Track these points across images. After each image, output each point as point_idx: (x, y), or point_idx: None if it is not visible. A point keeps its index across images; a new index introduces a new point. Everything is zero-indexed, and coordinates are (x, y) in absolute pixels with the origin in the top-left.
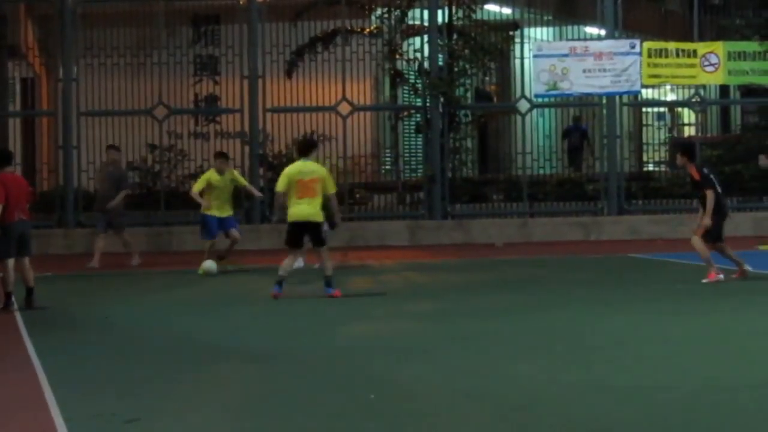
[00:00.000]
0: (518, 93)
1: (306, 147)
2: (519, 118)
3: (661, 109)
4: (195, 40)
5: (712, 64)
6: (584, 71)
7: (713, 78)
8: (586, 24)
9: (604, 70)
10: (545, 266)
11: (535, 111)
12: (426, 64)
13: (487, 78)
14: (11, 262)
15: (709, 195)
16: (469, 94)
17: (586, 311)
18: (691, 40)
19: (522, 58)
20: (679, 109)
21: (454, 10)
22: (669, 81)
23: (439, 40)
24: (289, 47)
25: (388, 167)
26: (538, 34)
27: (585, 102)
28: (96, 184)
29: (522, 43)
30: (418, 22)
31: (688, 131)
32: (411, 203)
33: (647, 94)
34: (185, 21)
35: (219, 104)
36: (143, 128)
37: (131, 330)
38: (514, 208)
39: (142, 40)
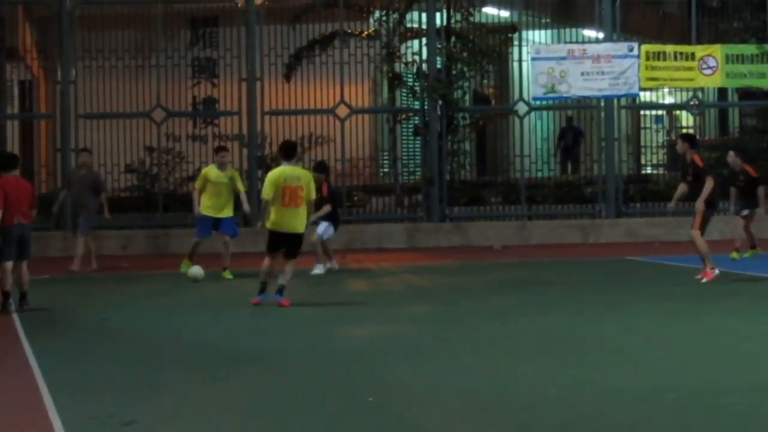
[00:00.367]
0: (516, 96)
1: (290, 150)
2: (517, 120)
3: (659, 112)
4: (193, 43)
5: (710, 66)
6: (582, 74)
7: (711, 81)
8: (584, 27)
9: (602, 73)
10: (543, 269)
11: (533, 114)
12: (424, 67)
13: (485, 81)
14: (9, 264)
15: (709, 182)
16: (467, 97)
17: (584, 314)
18: (689, 42)
19: (520, 60)
20: (677, 112)
21: (452, 13)
22: (667, 84)
23: (437, 43)
24: (287, 50)
25: (386, 170)
26: (536, 36)
27: (583, 105)
28: (68, 188)
29: (520, 46)
30: (416, 25)
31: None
32: (409, 206)
33: (645, 96)
34: (183, 23)
35: (217, 107)
36: (141, 131)
37: (129, 332)
38: (512, 211)
39: (140, 43)
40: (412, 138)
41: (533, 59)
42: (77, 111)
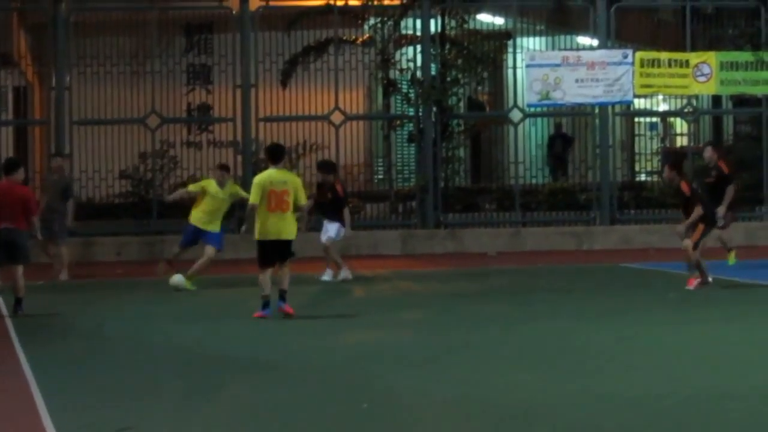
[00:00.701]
0: (511, 102)
1: (277, 153)
2: (511, 127)
3: (654, 119)
4: (187, 49)
5: (705, 74)
6: (577, 81)
7: (705, 88)
8: (578, 34)
9: (597, 80)
10: (537, 276)
11: (527, 120)
12: (419, 74)
13: (479, 87)
14: None
15: (698, 210)
16: (461, 104)
17: (579, 320)
18: (683, 50)
19: (515, 67)
20: (672, 119)
21: (446, 20)
22: (661, 91)
23: (432, 50)
24: (282, 56)
25: (380, 176)
26: (531, 43)
27: (577, 112)
28: (41, 194)
29: (515, 53)
30: (411, 32)
31: (680, 141)
32: (404, 212)
33: (639, 103)
34: (178, 30)
35: (211, 113)
36: (136, 137)
37: (123, 339)
38: (506, 218)
39: (134, 49)
40: (406, 144)
41: (528, 66)
42: (71, 117)
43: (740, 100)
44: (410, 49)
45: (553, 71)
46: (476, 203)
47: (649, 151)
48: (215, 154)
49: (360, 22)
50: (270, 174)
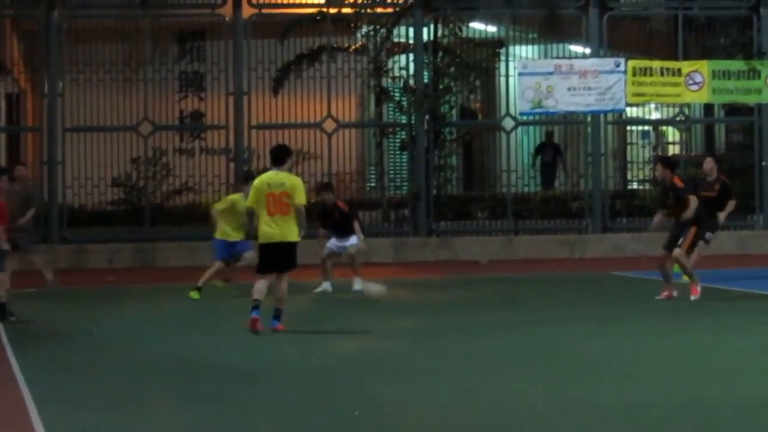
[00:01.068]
0: (503, 110)
1: (279, 155)
2: (504, 135)
3: (646, 128)
4: (180, 56)
5: (697, 82)
6: (569, 89)
7: (698, 96)
8: (571, 42)
9: (589, 89)
10: (530, 284)
11: (519, 129)
12: (411, 81)
13: (472, 95)
14: None
15: (693, 200)
16: (454, 112)
17: (570, 329)
18: (675, 58)
19: (507, 75)
20: (664, 128)
21: (439, 28)
22: (653, 99)
23: (424, 58)
24: (275, 64)
25: (372, 184)
26: (524, 52)
27: (569, 120)
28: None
29: (507, 61)
30: (403, 40)
31: (673, 150)
32: (396, 220)
33: (632, 112)
34: (170, 37)
35: (204, 120)
36: (128, 144)
37: (115, 346)
38: (498, 226)
39: (127, 56)
40: (398, 152)
41: (520, 74)
42: (64, 124)
43: (732, 109)
44: (403, 57)
45: (546, 79)
46: (468, 211)
47: (641, 160)
48: (207, 162)
49: (353, 29)
50: (268, 176)
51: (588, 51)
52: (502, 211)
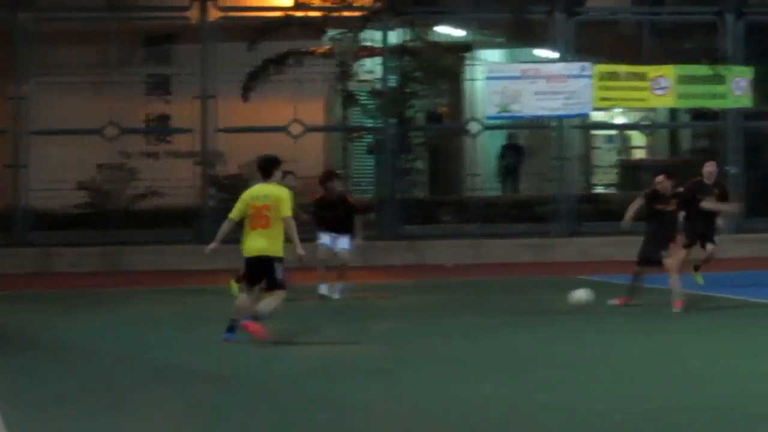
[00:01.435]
0: (470, 115)
1: (265, 167)
2: (470, 139)
3: (611, 132)
4: (147, 59)
5: (663, 87)
6: (536, 94)
7: (663, 101)
8: (538, 47)
9: (556, 93)
10: (497, 288)
11: (486, 133)
12: (378, 86)
13: (439, 99)
14: None
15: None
16: (421, 116)
17: (538, 333)
18: (642, 63)
19: (474, 80)
20: (629, 132)
21: (406, 32)
22: (620, 104)
23: (391, 62)
24: (243, 68)
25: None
26: (491, 56)
27: (536, 124)
28: None
29: (474, 66)
30: (371, 44)
31: (638, 154)
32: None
33: (598, 116)
34: (138, 40)
35: (170, 124)
36: (95, 148)
37: (82, 350)
38: (465, 230)
39: (94, 59)
40: (365, 156)
41: (487, 79)
42: (30, 127)
43: (698, 114)
44: (370, 61)
45: (513, 84)
46: (435, 215)
47: (606, 164)
48: (174, 165)
49: (320, 33)
50: (254, 189)
51: (555, 55)
52: (470, 215)
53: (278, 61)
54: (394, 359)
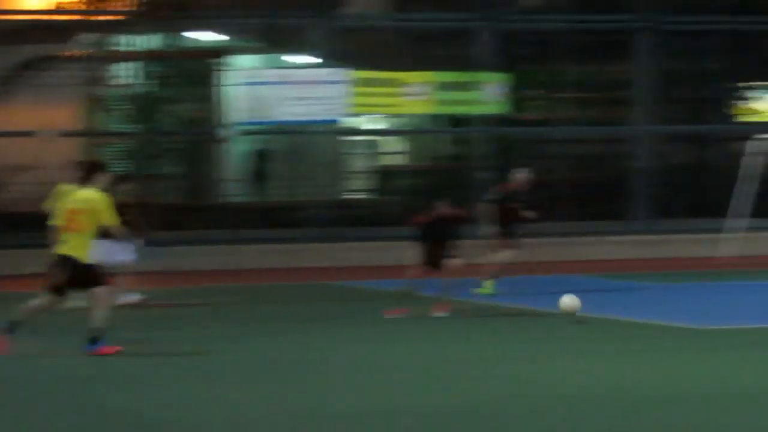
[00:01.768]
0: (223, 120)
1: (86, 170)
2: (222, 145)
3: (366, 137)
4: None
5: (419, 94)
6: (290, 99)
7: (420, 107)
8: (297, 53)
9: (310, 99)
10: (252, 294)
11: (239, 138)
12: (130, 90)
13: (192, 105)
14: None
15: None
16: (172, 120)
17: (290, 338)
18: (399, 69)
19: (227, 85)
20: (384, 138)
21: (158, 37)
22: (376, 110)
23: (143, 67)
24: None
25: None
26: (247, 62)
27: (290, 129)
28: None
29: (227, 71)
30: (123, 48)
31: (393, 159)
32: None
33: (353, 122)
34: None
35: None
36: None
37: None
38: (220, 236)
39: None
40: (119, 161)
41: (239, 84)
42: None
43: (458, 120)
44: (122, 65)
45: (267, 89)
46: (189, 221)
47: (361, 170)
48: None
49: (74, 37)
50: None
51: (312, 61)
52: (224, 221)
53: (30, 65)
54: (141, 366)
